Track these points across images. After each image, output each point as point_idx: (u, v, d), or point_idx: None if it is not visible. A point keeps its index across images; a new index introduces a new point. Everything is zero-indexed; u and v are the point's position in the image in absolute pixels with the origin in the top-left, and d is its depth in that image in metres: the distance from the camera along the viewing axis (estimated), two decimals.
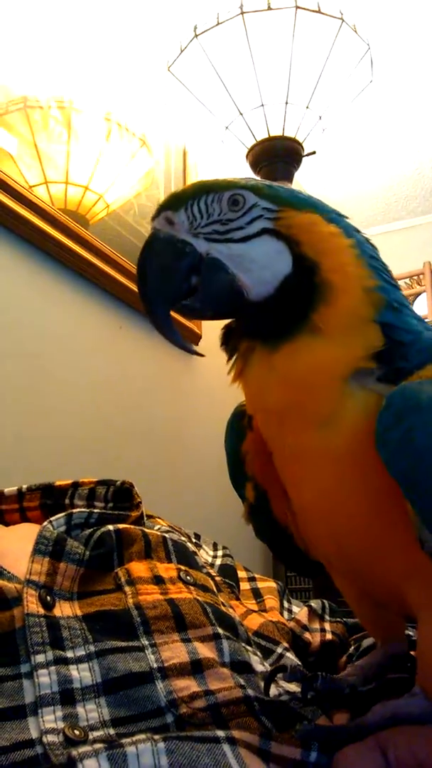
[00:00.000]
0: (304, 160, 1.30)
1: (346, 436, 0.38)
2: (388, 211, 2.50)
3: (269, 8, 1.12)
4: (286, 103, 1.19)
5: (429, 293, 2.06)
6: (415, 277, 2.23)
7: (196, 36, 1.16)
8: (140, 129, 1.36)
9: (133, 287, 1.21)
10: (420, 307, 1.99)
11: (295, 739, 0.38)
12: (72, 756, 0.33)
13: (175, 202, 0.43)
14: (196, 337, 1.42)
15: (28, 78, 1.11)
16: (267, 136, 1.23)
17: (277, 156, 1.24)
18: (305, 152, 1.27)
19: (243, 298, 0.42)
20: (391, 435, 0.35)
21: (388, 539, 0.37)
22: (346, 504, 0.39)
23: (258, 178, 1.11)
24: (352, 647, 0.58)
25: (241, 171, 1.33)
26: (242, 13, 1.12)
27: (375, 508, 0.37)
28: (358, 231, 0.45)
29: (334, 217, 0.44)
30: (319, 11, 1.14)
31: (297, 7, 1.12)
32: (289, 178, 1.26)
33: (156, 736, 0.35)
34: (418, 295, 2.19)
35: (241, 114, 1.20)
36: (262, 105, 1.19)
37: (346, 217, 0.45)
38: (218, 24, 1.14)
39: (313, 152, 1.28)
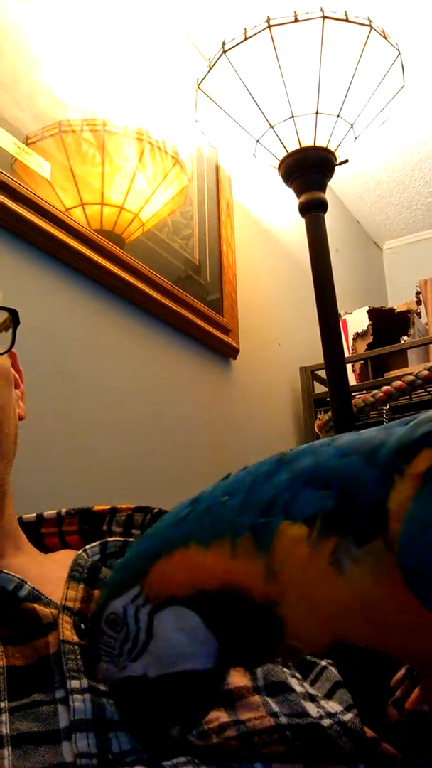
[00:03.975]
0: (338, 168, 1.29)
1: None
2: (428, 217, 2.46)
3: (296, 20, 1.12)
4: (317, 113, 1.18)
5: None
6: None
7: (225, 52, 1.17)
8: (173, 147, 1.38)
9: (168, 303, 1.22)
10: None
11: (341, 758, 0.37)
12: None
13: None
14: (234, 351, 1.41)
15: (62, 103, 1.13)
16: (298, 147, 1.22)
17: (310, 166, 1.23)
18: (338, 161, 1.25)
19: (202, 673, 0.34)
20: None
21: None
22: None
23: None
24: None
25: (275, 183, 1.33)
26: (269, 26, 1.13)
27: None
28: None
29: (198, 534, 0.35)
30: (346, 19, 1.13)
31: (324, 17, 1.11)
32: (323, 188, 1.25)
33: (197, 761, 0.34)
34: None
35: (272, 126, 1.20)
36: (293, 116, 1.19)
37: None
38: (246, 39, 1.15)
39: (346, 161, 1.27)
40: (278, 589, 0.32)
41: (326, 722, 0.43)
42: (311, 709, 0.43)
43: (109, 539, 0.54)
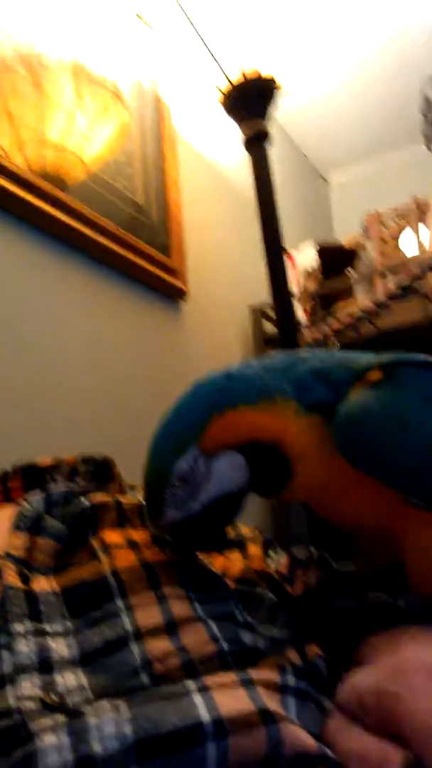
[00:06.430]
0: (283, 101, 1.26)
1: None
2: (372, 145, 2.44)
3: None
4: (257, 38, 1.15)
5: (415, 228, 2.03)
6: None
7: None
8: (112, 81, 1.32)
9: (114, 248, 1.19)
10: (408, 242, 1.95)
11: (272, 664, 0.40)
12: (31, 731, 0.33)
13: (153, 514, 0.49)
14: (182, 293, 1.40)
15: None
16: (241, 76, 1.19)
17: (252, 96, 1.20)
18: (279, 89, 1.22)
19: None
20: (346, 440, 0.44)
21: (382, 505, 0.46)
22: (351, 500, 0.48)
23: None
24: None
25: (218, 115, 1.30)
26: None
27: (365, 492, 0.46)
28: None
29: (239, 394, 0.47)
30: None
31: None
32: (266, 118, 1.22)
33: (119, 702, 0.35)
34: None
35: (213, 55, 1.16)
36: (234, 44, 1.15)
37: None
38: None
39: (288, 91, 1.24)
40: (299, 449, 0.45)
41: (261, 644, 0.44)
42: (246, 637, 0.44)
43: (54, 490, 0.54)
